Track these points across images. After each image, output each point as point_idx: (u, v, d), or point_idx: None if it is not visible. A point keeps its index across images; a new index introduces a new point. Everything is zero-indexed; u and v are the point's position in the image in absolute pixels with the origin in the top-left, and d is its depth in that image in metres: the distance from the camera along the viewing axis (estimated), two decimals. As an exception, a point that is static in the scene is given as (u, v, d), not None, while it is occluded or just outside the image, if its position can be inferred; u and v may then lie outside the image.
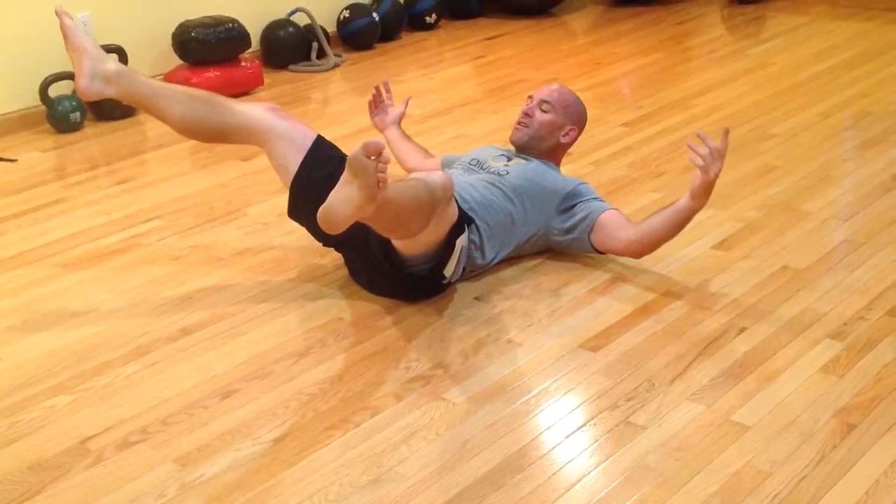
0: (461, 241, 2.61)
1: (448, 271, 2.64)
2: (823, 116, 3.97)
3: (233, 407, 2.28)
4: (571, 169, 3.49)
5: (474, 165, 2.95)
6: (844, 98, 4.18)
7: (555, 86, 3.03)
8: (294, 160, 2.71)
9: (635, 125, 4.01)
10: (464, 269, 2.73)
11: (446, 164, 3.06)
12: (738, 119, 3.99)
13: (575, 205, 2.83)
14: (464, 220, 2.62)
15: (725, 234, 3.00)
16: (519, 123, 2.99)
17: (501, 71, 4.93)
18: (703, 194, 2.59)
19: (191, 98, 2.74)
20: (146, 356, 2.50)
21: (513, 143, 3.00)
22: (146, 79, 2.76)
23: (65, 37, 2.67)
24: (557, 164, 3.02)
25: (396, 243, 2.56)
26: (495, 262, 2.80)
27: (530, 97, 3.02)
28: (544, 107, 2.95)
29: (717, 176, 2.55)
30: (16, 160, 3.97)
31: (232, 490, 2.01)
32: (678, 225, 2.67)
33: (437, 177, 2.46)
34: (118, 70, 2.69)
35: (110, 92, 2.70)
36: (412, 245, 2.54)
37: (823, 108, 4.06)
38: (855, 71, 4.56)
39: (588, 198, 2.85)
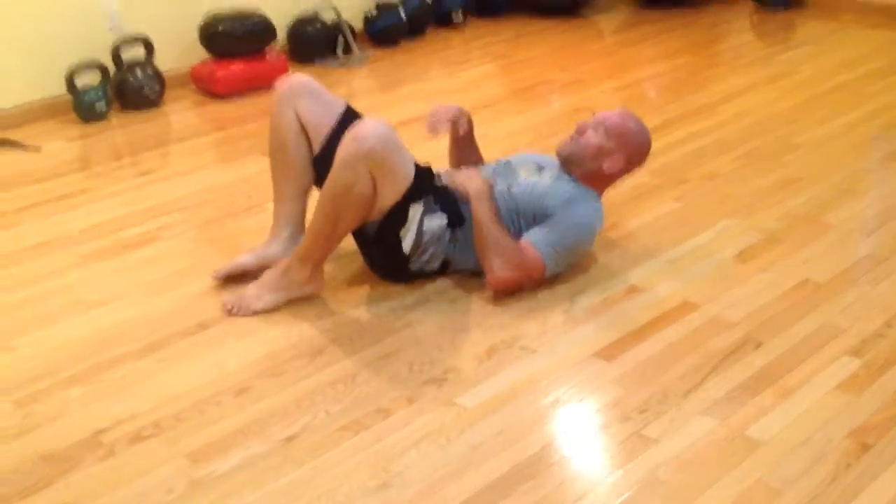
0: (417, 210, 2.61)
1: (406, 243, 2.64)
2: (849, 127, 3.93)
3: (245, 404, 2.29)
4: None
5: (500, 169, 2.88)
6: (872, 109, 4.13)
7: (619, 112, 2.87)
8: (322, 132, 2.83)
9: (659, 131, 3.96)
10: (446, 262, 2.75)
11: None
12: (762, 128, 3.95)
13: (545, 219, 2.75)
14: (423, 191, 2.64)
15: (745, 244, 2.97)
16: (571, 136, 2.84)
17: (527, 71, 4.91)
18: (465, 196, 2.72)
19: (278, 168, 2.89)
20: (161, 350, 2.52)
21: (557, 152, 2.87)
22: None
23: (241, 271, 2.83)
24: (598, 190, 2.85)
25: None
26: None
27: (593, 113, 2.88)
28: (596, 129, 2.80)
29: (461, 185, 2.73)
30: (39, 148, 3.99)
31: (241, 488, 2.01)
32: (479, 236, 2.68)
33: (338, 158, 2.51)
34: (287, 259, 2.73)
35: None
36: (374, 212, 2.61)
37: (850, 119, 4.01)
38: (883, 81, 4.51)
39: (550, 222, 2.72)
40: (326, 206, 2.56)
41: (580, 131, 2.83)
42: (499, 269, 2.66)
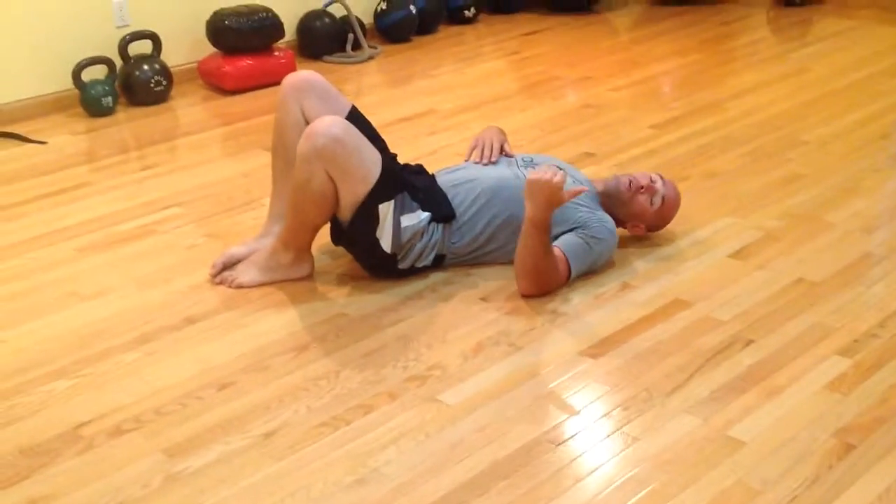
0: (388, 210, 2.60)
1: (385, 243, 2.63)
2: (858, 125, 3.87)
3: (227, 399, 2.28)
4: (594, 171, 3.45)
5: (520, 162, 2.87)
6: (882, 107, 4.07)
7: (677, 193, 2.91)
8: None
9: (664, 127, 3.94)
10: (440, 256, 2.75)
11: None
12: (769, 125, 3.91)
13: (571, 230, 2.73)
14: (392, 191, 2.61)
15: (743, 242, 2.93)
16: (631, 180, 2.83)
17: (536, 67, 4.88)
18: (529, 198, 2.54)
19: (278, 164, 2.91)
20: (148, 344, 2.52)
21: (605, 181, 2.89)
22: (279, 212, 2.86)
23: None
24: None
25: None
26: (476, 244, 2.77)
27: (658, 177, 2.86)
28: (655, 199, 2.82)
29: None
30: (45, 143, 4.01)
31: (215, 484, 2.01)
32: (525, 244, 2.58)
33: (297, 154, 2.57)
34: (274, 241, 2.79)
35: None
36: (342, 211, 2.62)
37: (859, 117, 3.96)
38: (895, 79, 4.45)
39: (585, 236, 2.70)
40: (292, 198, 2.65)
41: (646, 189, 2.81)
42: (532, 289, 2.65)
